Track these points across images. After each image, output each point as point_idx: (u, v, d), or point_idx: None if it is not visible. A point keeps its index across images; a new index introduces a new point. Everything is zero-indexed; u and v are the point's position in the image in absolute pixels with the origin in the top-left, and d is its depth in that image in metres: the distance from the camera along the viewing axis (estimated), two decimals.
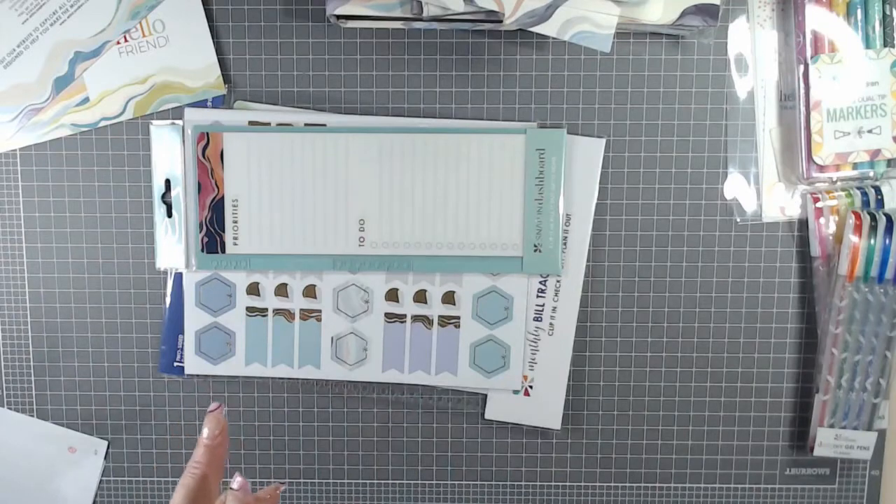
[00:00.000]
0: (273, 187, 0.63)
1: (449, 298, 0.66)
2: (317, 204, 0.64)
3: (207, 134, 0.63)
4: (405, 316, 0.66)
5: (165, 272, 0.66)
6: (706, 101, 0.64)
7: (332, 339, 0.66)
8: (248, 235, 0.64)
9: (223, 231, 0.64)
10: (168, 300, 0.66)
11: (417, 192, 0.64)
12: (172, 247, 0.65)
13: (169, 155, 0.64)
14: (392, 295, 0.66)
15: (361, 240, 0.64)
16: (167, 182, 0.64)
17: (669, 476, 0.69)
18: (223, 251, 0.64)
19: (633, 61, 0.64)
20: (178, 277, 0.66)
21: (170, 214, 0.64)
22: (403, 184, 0.64)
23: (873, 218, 0.62)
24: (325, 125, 0.64)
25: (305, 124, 0.64)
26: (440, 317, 0.66)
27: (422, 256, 0.64)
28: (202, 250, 0.64)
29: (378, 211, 0.64)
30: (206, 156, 0.63)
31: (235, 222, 0.64)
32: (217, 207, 0.64)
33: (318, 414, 0.68)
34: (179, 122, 0.64)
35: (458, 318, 0.66)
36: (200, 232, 0.64)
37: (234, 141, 0.63)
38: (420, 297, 0.66)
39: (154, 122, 0.64)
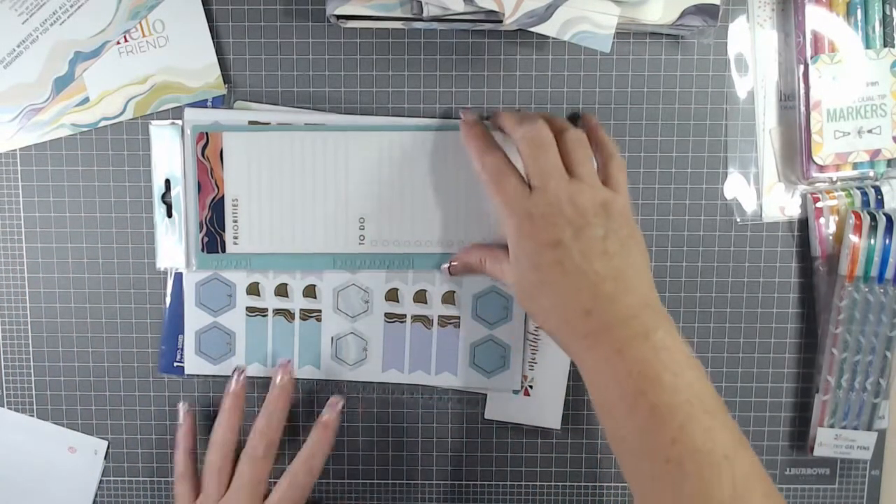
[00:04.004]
0: (273, 186, 0.63)
1: (449, 298, 0.66)
2: (316, 203, 0.64)
3: (207, 133, 0.63)
4: (405, 316, 0.66)
5: (165, 272, 0.66)
6: (706, 101, 0.65)
7: (332, 339, 0.66)
8: (248, 235, 0.64)
9: (223, 230, 0.64)
10: (168, 300, 0.66)
11: (417, 191, 0.64)
12: (172, 247, 0.65)
13: (169, 155, 0.64)
14: (392, 295, 0.66)
15: (362, 238, 0.64)
16: (167, 182, 0.64)
17: None
18: (223, 251, 0.64)
19: (633, 61, 0.64)
20: (178, 277, 0.66)
21: (170, 214, 0.64)
22: (403, 182, 0.64)
23: (873, 218, 0.62)
24: (325, 125, 0.64)
25: (305, 124, 0.64)
26: (440, 317, 0.66)
27: (422, 254, 0.64)
28: (202, 250, 0.64)
29: (378, 210, 0.64)
30: (206, 155, 0.63)
31: (235, 222, 0.64)
32: (217, 207, 0.64)
33: (319, 414, 0.68)
34: (179, 121, 0.64)
35: (458, 318, 0.66)
36: (200, 231, 0.64)
37: (234, 140, 0.63)
38: (420, 297, 0.66)
39: (154, 121, 0.64)
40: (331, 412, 0.65)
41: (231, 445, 0.63)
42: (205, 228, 0.64)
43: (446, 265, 0.64)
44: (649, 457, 0.49)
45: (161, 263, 0.65)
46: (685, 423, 0.49)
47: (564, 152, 0.56)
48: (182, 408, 0.65)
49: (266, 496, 0.62)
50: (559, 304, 0.54)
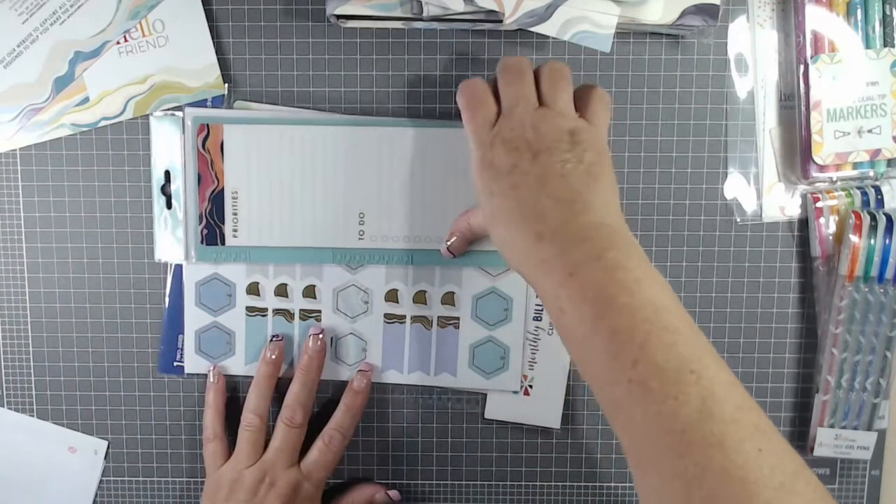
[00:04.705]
0: (273, 180, 0.63)
1: (448, 299, 0.66)
2: (316, 197, 0.64)
3: (208, 125, 0.63)
4: (405, 317, 0.66)
5: (165, 272, 0.66)
6: (706, 101, 0.65)
7: (331, 339, 0.66)
8: (247, 228, 0.64)
9: (223, 223, 0.64)
10: (167, 300, 0.66)
11: (417, 188, 0.64)
12: (171, 239, 0.65)
13: (169, 146, 0.64)
14: (392, 296, 0.66)
15: (361, 233, 0.64)
16: (167, 174, 0.64)
17: None
18: (222, 243, 0.64)
19: (633, 61, 0.64)
20: (177, 277, 0.66)
21: (169, 206, 0.64)
22: (403, 179, 0.64)
23: (873, 218, 0.62)
24: (326, 120, 0.63)
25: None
26: (439, 317, 0.66)
27: (421, 250, 0.64)
28: (202, 242, 0.64)
29: (378, 205, 0.64)
30: (207, 147, 0.63)
31: (235, 214, 0.64)
32: (217, 199, 0.63)
33: (318, 414, 0.68)
34: (180, 113, 0.63)
35: (458, 318, 0.66)
36: (200, 224, 0.64)
37: (235, 133, 0.63)
38: (420, 298, 0.66)
39: (154, 113, 0.64)
40: (361, 378, 0.66)
41: (265, 412, 0.65)
42: (204, 221, 0.64)
43: (445, 245, 0.64)
44: (614, 381, 0.48)
45: (160, 256, 0.65)
46: (645, 343, 0.47)
47: (540, 82, 0.55)
48: (212, 369, 0.66)
49: (300, 460, 0.64)
50: (513, 231, 0.52)
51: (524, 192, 0.51)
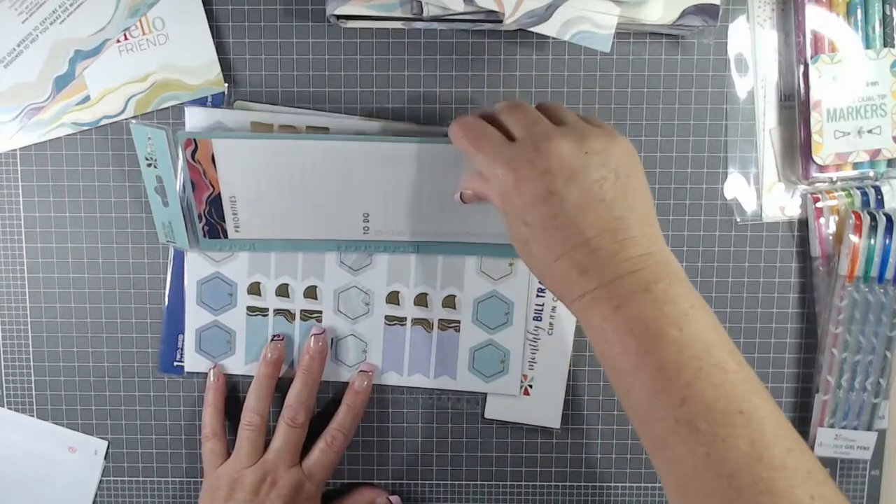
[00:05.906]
0: (272, 188, 0.62)
1: (449, 302, 0.66)
2: (318, 200, 0.63)
3: (195, 140, 0.61)
4: (405, 319, 0.66)
5: (165, 272, 0.66)
6: (706, 101, 0.65)
7: (332, 340, 0.66)
8: (248, 225, 0.63)
9: (223, 221, 0.63)
10: (167, 299, 0.66)
11: (424, 195, 0.63)
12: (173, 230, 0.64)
13: (157, 155, 0.62)
14: (393, 297, 0.66)
15: (366, 229, 0.64)
16: (158, 178, 0.64)
17: None
18: (225, 237, 0.64)
19: (633, 61, 0.64)
20: (176, 276, 0.66)
21: (166, 205, 0.64)
22: (408, 188, 0.62)
23: (873, 218, 0.62)
24: (327, 129, 0.63)
25: (308, 127, 0.63)
26: (440, 320, 0.66)
27: (427, 242, 0.64)
28: (204, 236, 0.64)
29: (382, 209, 0.63)
30: (196, 159, 0.61)
31: (235, 215, 0.63)
32: (215, 202, 0.63)
33: (318, 414, 0.68)
34: (162, 127, 0.61)
35: (459, 322, 0.66)
36: (200, 222, 0.63)
37: (224, 146, 0.61)
38: (421, 300, 0.66)
39: (133, 122, 0.62)
40: (362, 379, 0.66)
41: (265, 412, 0.65)
42: (204, 220, 0.63)
43: (457, 194, 0.62)
44: (660, 417, 0.46)
45: (164, 239, 0.65)
46: (693, 381, 0.45)
47: (545, 113, 0.54)
48: (212, 368, 0.67)
49: (301, 460, 0.64)
50: (554, 262, 0.50)
51: (564, 223, 0.49)
